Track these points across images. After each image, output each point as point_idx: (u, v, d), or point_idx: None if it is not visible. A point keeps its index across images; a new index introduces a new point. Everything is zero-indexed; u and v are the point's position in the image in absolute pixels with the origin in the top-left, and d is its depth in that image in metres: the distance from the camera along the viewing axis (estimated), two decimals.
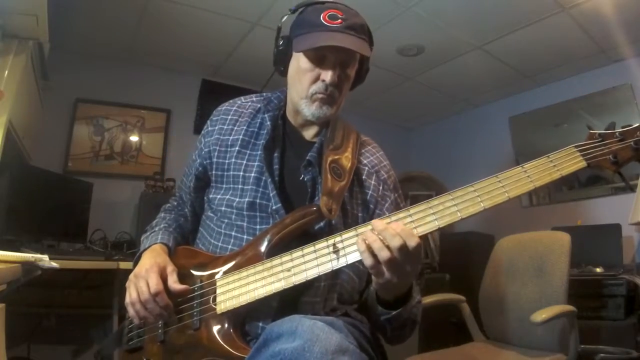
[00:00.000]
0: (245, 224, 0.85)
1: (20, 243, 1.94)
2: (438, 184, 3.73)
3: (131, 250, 2.34)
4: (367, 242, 0.66)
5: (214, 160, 0.92)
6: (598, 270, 2.35)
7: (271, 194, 0.84)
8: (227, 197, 0.88)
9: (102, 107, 2.92)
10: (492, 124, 3.63)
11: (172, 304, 0.79)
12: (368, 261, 0.66)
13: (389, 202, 0.93)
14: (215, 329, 0.75)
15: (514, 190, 0.68)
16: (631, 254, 2.58)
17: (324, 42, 0.80)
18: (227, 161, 0.90)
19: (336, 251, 0.71)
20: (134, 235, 2.60)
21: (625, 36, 2.56)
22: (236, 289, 0.76)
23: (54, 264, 1.03)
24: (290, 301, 0.77)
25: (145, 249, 0.90)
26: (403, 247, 0.64)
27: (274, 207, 0.83)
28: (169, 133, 3.12)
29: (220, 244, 0.87)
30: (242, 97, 1.00)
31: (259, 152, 0.88)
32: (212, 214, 0.91)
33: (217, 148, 0.92)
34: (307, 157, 0.87)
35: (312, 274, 0.71)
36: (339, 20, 0.83)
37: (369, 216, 0.90)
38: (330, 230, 0.80)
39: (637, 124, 0.73)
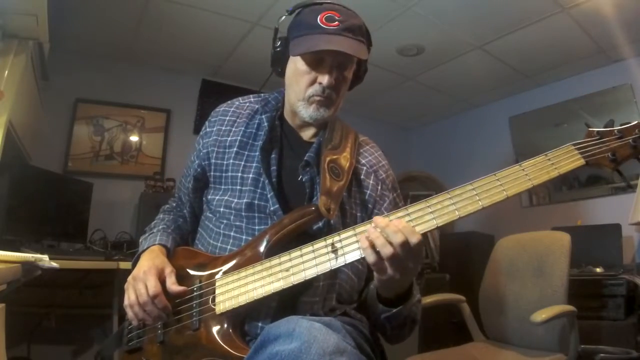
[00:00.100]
0: (244, 225, 0.85)
1: (20, 243, 1.94)
2: (438, 184, 3.73)
3: (131, 250, 2.34)
4: (369, 239, 0.66)
5: (212, 161, 0.92)
6: (598, 270, 2.35)
7: (269, 195, 0.84)
8: (226, 198, 0.88)
9: (102, 107, 2.92)
10: (492, 124, 3.63)
11: (170, 306, 0.79)
12: (371, 258, 0.66)
13: (387, 201, 0.93)
14: (215, 329, 0.76)
15: (512, 189, 0.68)
16: (631, 254, 2.58)
17: (321, 47, 0.80)
18: (225, 162, 0.91)
19: (335, 251, 0.71)
20: (134, 235, 2.60)
21: (625, 36, 2.56)
22: (235, 289, 0.76)
23: (54, 264, 1.03)
24: (289, 301, 0.77)
25: (143, 251, 0.90)
26: (405, 244, 0.64)
27: (271, 208, 0.83)
28: (169, 133, 3.12)
29: (219, 245, 0.87)
30: (240, 98, 1.00)
31: (257, 154, 0.88)
32: (210, 215, 0.92)
33: (215, 149, 0.92)
34: (305, 158, 0.87)
35: (310, 273, 0.71)
36: (336, 23, 0.82)
37: (367, 216, 0.90)
38: (329, 230, 0.80)
39: (636, 122, 0.73)
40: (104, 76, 2.92)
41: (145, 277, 0.80)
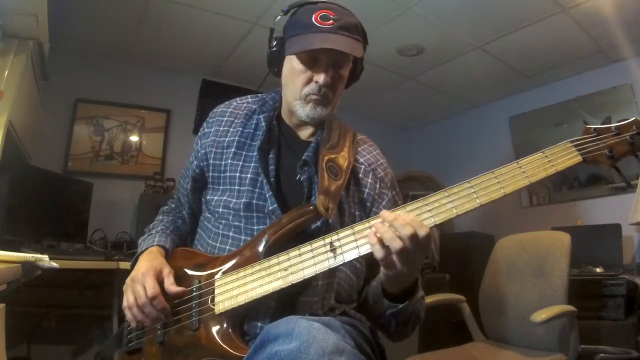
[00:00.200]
0: (242, 225, 0.85)
1: (20, 243, 1.94)
2: (438, 184, 3.73)
3: (131, 250, 2.34)
4: (378, 234, 0.66)
5: (211, 161, 0.92)
6: (598, 270, 2.36)
7: (267, 195, 0.84)
8: (224, 198, 0.88)
9: (102, 107, 2.92)
10: (492, 124, 3.63)
11: (169, 307, 0.79)
12: (379, 253, 0.66)
13: (386, 199, 0.93)
14: (214, 329, 0.76)
15: (510, 187, 0.68)
16: (631, 254, 2.58)
17: (316, 45, 0.80)
18: (223, 162, 0.91)
19: (333, 250, 0.71)
20: (133, 236, 2.60)
21: (625, 36, 2.56)
22: (234, 289, 0.76)
23: (54, 264, 1.03)
24: (288, 301, 0.77)
25: (141, 252, 0.90)
26: (414, 236, 0.64)
27: (270, 208, 0.84)
28: (169, 133, 3.12)
29: (218, 245, 0.87)
30: (237, 99, 1.00)
31: (255, 153, 0.88)
32: (209, 215, 0.92)
33: (214, 150, 0.92)
34: (303, 157, 0.87)
35: (309, 272, 0.71)
36: (331, 21, 0.83)
37: (366, 214, 0.90)
38: (327, 230, 0.80)
39: (633, 119, 0.72)
40: (104, 76, 2.92)
41: (144, 279, 0.80)
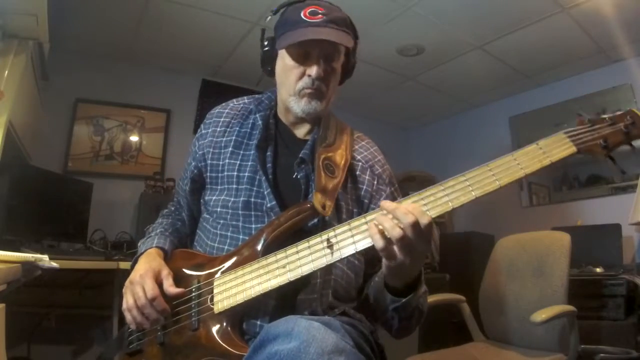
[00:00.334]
0: (240, 224, 0.85)
1: (20, 243, 1.94)
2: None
3: (131, 250, 2.34)
4: (378, 224, 0.66)
5: (209, 162, 0.93)
6: (598, 270, 2.36)
7: (265, 192, 0.85)
8: (222, 197, 0.88)
9: (102, 107, 2.92)
10: (492, 124, 3.63)
11: (169, 308, 0.80)
12: (379, 243, 0.66)
13: (384, 195, 0.93)
14: (214, 328, 0.76)
15: (504, 179, 0.68)
16: (631, 254, 2.58)
17: (307, 36, 0.81)
18: (221, 162, 0.91)
19: (330, 246, 0.71)
20: (134, 235, 2.60)
21: (625, 36, 2.56)
22: (233, 287, 0.76)
23: (54, 264, 1.03)
24: (287, 299, 0.78)
25: (140, 254, 0.90)
26: (416, 224, 0.64)
27: (268, 205, 0.84)
28: (169, 133, 3.12)
29: (216, 245, 0.87)
30: (234, 100, 1.01)
31: (252, 152, 0.89)
32: (208, 216, 0.92)
33: (211, 150, 0.93)
34: (300, 155, 0.88)
35: (306, 269, 0.71)
36: (320, 15, 0.84)
37: (363, 211, 0.90)
38: (324, 227, 0.80)
39: (628, 109, 0.72)
40: (104, 76, 2.92)
41: (142, 281, 0.80)
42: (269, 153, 0.90)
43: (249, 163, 0.89)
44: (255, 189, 0.86)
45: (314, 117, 0.92)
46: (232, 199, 0.87)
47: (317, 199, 0.79)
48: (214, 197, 0.90)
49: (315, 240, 0.73)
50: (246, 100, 1.00)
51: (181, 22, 2.55)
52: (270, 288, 0.73)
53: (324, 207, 0.79)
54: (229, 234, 0.86)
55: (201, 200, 0.97)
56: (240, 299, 0.74)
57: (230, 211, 0.86)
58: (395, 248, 0.66)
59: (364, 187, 0.92)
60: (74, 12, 2.37)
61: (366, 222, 0.70)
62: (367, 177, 0.93)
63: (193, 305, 0.79)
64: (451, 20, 2.49)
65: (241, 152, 0.91)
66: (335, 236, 0.71)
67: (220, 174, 0.91)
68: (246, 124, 0.94)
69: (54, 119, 2.69)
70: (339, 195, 0.86)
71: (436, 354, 1.69)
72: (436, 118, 4.14)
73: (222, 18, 2.50)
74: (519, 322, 1.70)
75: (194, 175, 0.97)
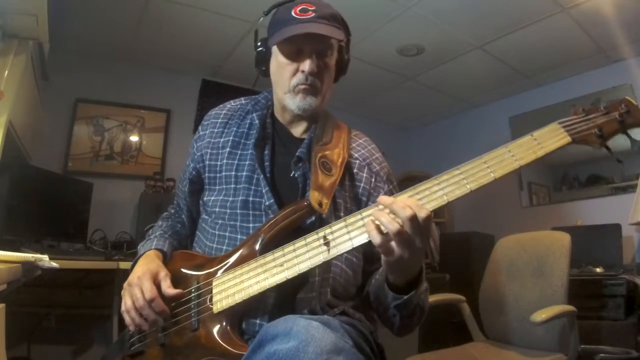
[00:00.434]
0: (238, 223, 0.86)
1: (20, 243, 1.94)
2: None
3: (131, 250, 2.34)
4: (375, 219, 0.66)
5: (207, 162, 0.93)
6: (598, 270, 2.36)
7: (264, 190, 0.85)
8: (221, 197, 0.89)
9: (102, 107, 2.92)
10: (492, 124, 3.63)
11: (168, 309, 0.80)
12: (377, 239, 0.65)
13: (382, 193, 0.93)
14: (214, 328, 0.76)
15: (499, 171, 0.68)
16: (631, 254, 2.58)
17: (298, 31, 0.82)
18: (219, 163, 0.92)
19: (327, 243, 0.71)
20: (134, 235, 2.60)
21: (625, 36, 2.56)
22: (232, 287, 0.76)
23: (54, 264, 1.04)
24: (286, 298, 0.78)
25: (139, 257, 0.91)
26: (414, 218, 0.63)
27: (266, 203, 0.85)
28: (169, 133, 3.12)
29: (215, 245, 0.88)
30: (231, 101, 1.02)
31: (250, 151, 0.90)
32: (206, 216, 0.93)
33: (209, 151, 0.94)
34: (297, 153, 0.88)
35: (304, 267, 0.71)
36: (310, 12, 0.85)
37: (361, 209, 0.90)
38: (322, 225, 0.80)
39: (622, 97, 0.72)
40: (104, 76, 2.92)
41: (140, 282, 0.80)
42: (266, 152, 0.90)
43: (247, 162, 0.89)
44: (253, 187, 0.87)
45: (310, 115, 0.92)
46: (231, 199, 0.87)
47: (313, 197, 0.79)
48: (212, 198, 0.91)
49: (312, 237, 0.73)
50: (243, 101, 1.01)
51: (181, 22, 2.55)
52: (268, 287, 0.73)
53: (320, 204, 0.79)
54: (227, 234, 0.87)
55: (200, 202, 0.97)
56: (238, 298, 0.74)
57: (228, 211, 0.87)
58: (393, 243, 0.65)
59: (362, 184, 0.92)
60: (74, 12, 2.37)
61: (362, 218, 0.70)
62: (364, 175, 0.93)
63: (193, 306, 0.79)
64: (451, 20, 2.49)
65: (239, 151, 0.91)
66: (332, 233, 0.71)
67: (218, 174, 0.91)
68: (243, 124, 0.95)
69: (54, 119, 2.69)
70: (337, 193, 0.86)
71: (436, 354, 1.69)
72: (436, 118, 4.14)
73: (222, 18, 2.51)
74: (519, 322, 1.70)
75: (193, 177, 0.97)
